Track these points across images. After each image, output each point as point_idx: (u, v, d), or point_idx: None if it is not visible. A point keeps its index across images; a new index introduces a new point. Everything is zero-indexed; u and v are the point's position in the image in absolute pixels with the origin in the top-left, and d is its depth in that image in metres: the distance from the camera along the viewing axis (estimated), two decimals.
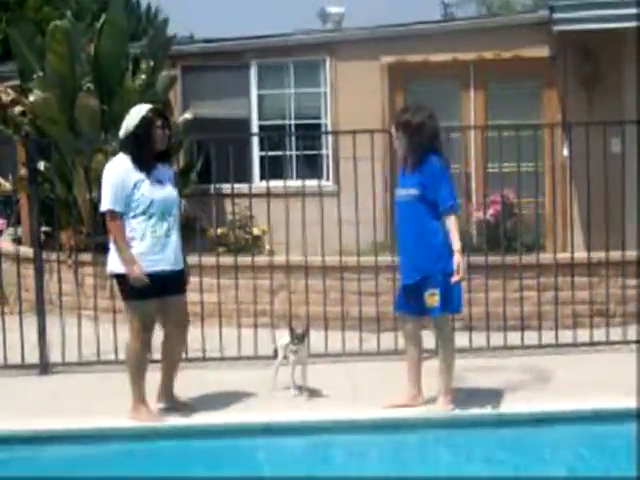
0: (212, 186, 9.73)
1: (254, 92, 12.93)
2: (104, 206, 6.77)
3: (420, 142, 6.84)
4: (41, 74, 11.14)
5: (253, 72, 12.90)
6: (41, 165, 10.45)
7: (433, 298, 6.80)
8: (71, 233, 10.38)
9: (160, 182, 6.83)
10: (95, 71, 11.24)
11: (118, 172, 6.76)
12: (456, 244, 6.75)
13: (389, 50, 12.45)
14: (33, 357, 8.44)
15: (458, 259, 6.74)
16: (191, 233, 8.58)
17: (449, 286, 6.82)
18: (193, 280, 7.56)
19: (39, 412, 7.19)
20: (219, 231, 10.71)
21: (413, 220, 6.85)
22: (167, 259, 6.82)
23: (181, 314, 7.05)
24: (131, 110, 6.94)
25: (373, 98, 12.32)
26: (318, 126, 12.82)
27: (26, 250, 9.90)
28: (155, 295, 6.78)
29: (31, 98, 11.02)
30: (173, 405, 7.15)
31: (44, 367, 8.44)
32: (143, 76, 11.30)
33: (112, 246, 6.84)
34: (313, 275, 9.06)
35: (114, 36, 11.28)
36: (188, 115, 11.98)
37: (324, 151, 12.69)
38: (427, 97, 11.97)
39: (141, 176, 6.74)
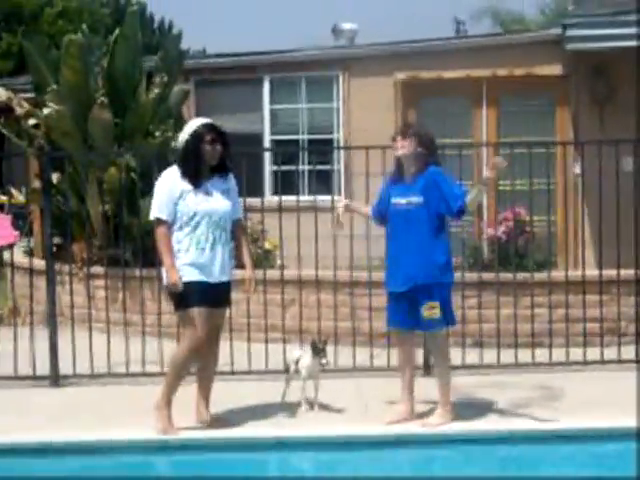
0: None
1: (267, 107, 12.97)
2: (153, 213, 6.84)
3: (428, 156, 6.96)
4: (55, 87, 11.18)
5: (266, 87, 12.96)
6: (54, 177, 10.49)
7: (433, 311, 6.82)
8: (83, 245, 10.41)
9: (209, 194, 6.85)
10: (109, 85, 11.29)
11: (167, 182, 6.84)
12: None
13: (402, 66, 12.48)
14: (44, 369, 8.45)
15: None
16: None
17: (447, 299, 6.90)
18: None
19: (50, 424, 7.20)
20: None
21: (416, 227, 6.86)
22: (211, 272, 6.82)
23: (216, 327, 7.03)
24: (188, 122, 7.09)
25: (386, 114, 12.34)
26: (330, 141, 12.86)
27: (38, 262, 9.94)
28: (206, 304, 6.79)
29: (45, 111, 11.06)
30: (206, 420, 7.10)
31: (55, 379, 8.46)
32: (156, 90, 11.34)
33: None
34: (324, 290, 9.06)
35: (128, 50, 11.34)
36: None
37: (336, 166, 12.71)
38: (440, 113, 12.04)
39: (188, 187, 6.79)
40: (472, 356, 8.65)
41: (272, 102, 13.00)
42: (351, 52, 13.11)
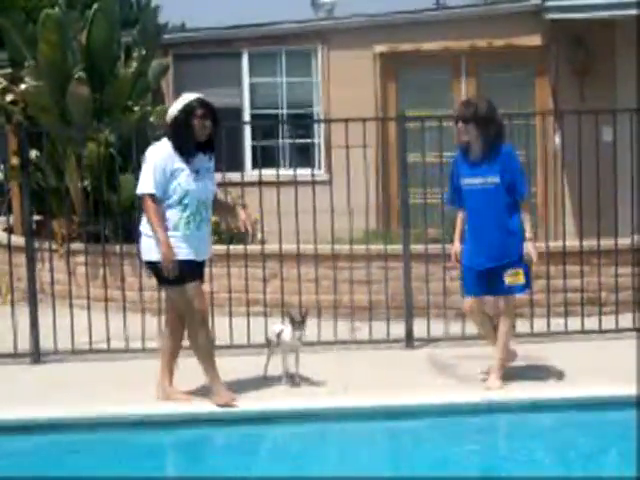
0: None
1: (246, 81, 12.92)
2: (144, 189, 6.69)
3: (496, 133, 7.16)
4: (32, 63, 11.09)
5: (245, 61, 12.90)
6: (33, 154, 10.43)
7: (517, 277, 7.17)
8: (63, 222, 10.36)
9: (197, 173, 6.78)
10: (87, 59, 11.19)
11: (161, 157, 6.72)
12: (529, 232, 7.18)
13: (381, 39, 12.45)
14: (25, 346, 8.43)
15: (531, 247, 7.17)
16: None
17: (527, 266, 7.26)
18: None
19: (31, 401, 7.18)
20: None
21: (496, 207, 7.14)
22: (196, 251, 6.78)
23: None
24: (180, 97, 6.96)
25: (365, 87, 12.31)
26: (310, 115, 12.82)
27: (18, 239, 9.87)
28: (194, 279, 6.78)
29: (22, 87, 10.97)
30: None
31: (36, 356, 8.43)
32: (135, 64, 11.27)
33: (144, 234, 6.81)
34: (305, 264, 9.05)
35: (106, 24, 11.23)
36: None
37: (316, 140, 12.69)
38: (419, 85, 12.02)
39: (181, 165, 6.70)
40: (454, 328, 8.67)
41: (251, 76, 12.94)
42: (330, 25, 13.05)
